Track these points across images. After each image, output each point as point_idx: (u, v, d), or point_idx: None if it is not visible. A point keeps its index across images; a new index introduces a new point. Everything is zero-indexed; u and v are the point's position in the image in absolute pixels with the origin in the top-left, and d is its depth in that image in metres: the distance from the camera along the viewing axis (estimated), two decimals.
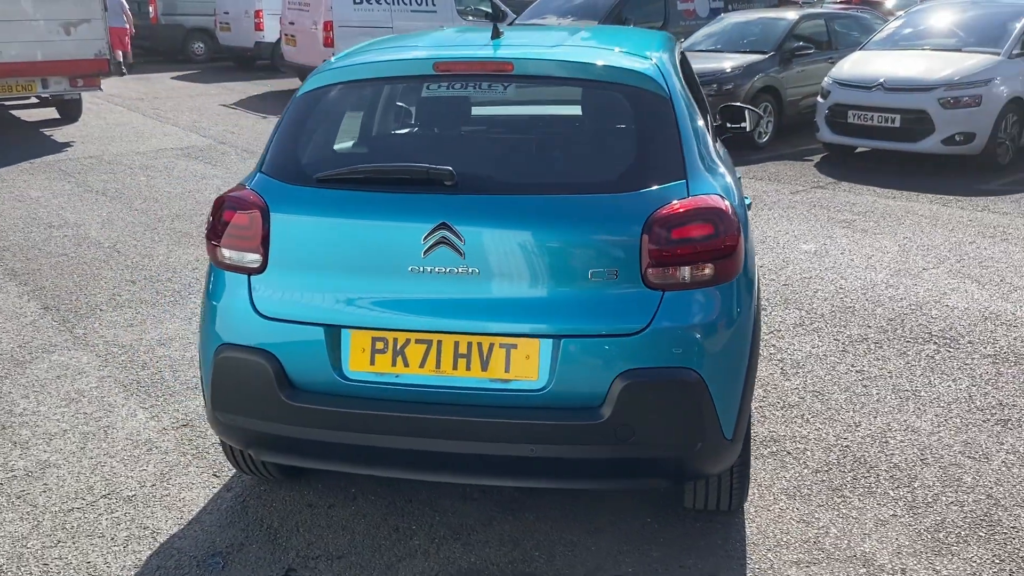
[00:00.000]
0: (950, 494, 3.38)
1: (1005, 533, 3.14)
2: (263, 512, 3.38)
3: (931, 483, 3.45)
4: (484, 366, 2.74)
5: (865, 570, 2.96)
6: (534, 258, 2.73)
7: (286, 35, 15.07)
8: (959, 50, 9.16)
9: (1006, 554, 3.03)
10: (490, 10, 15.78)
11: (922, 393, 4.21)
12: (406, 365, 2.78)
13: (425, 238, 2.73)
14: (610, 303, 2.70)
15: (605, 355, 2.68)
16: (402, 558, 3.09)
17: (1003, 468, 3.56)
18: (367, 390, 2.80)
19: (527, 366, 2.72)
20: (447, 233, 2.71)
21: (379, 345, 2.80)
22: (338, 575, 3.01)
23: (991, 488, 3.41)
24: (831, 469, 3.57)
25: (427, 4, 14.94)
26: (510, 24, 12.94)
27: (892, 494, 3.39)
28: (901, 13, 10.82)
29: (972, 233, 6.82)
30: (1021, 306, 5.29)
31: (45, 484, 3.59)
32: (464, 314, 2.74)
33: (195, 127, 12.03)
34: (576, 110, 3.42)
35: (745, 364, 2.83)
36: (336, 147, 3.17)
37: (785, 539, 3.13)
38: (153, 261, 6.42)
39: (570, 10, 12.38)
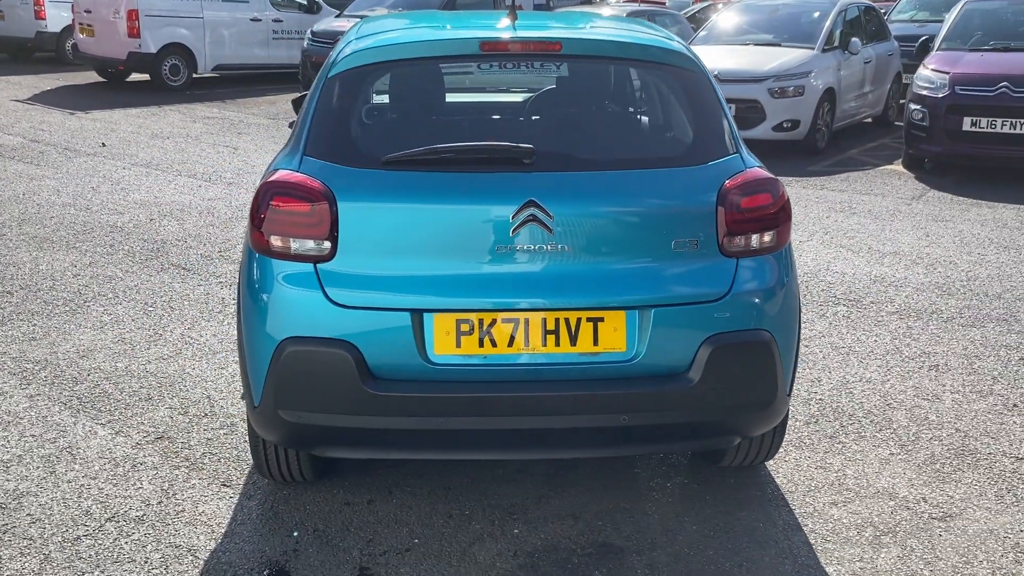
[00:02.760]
0: (926, 431, 3.81)
1: (986, 459, 3.59)
2: (300, 516, 3.21)
3: (905, 424, 3.87)
4: (573, 341, 2.78)
5: (893, 502, 3.29)
6: (619, 232, 2.80)
7: (81, 25, 13.85)
8: (779, 45, 10.06)
9: (995, 475, 3.47)
10: (304, 2, 15.36)
11: (856, 348, 4.68)
12: (494, 345, 2.76)
13: (513, 216, 2.72)
14: (692, 272, 2.83)
15: (691, 322, 2.80)
16: (471, 542, 3.06)
17: (955, 406, 4.05)
18: (455, 373, 2.76)
19: (615, 338, 2.79)
20: (536, 211, 2.72)
21: (464, 327, 2.76)
22: (415, 567, 2.94)
23: (955, 423, 3.88)
24: (819, 420, 3.90)
25: None
26: (338, 16, 12.67)
27: (879, 436, 3.77)
28: (721, 7, 11.68)
29: (825, 208, 7.57)
30: (897, 269, 5.97)
31: (30, 515, 3.19)
32: (552, 291, 2.76)
33: None
34: (616, 87, 3.49)
35: (798, 322, 3.06)
36: (390, 128, 3.07)
37: (813, 484, 3.41)
38: (21, 270, 5.78)
39: (402, 2, 12.30)
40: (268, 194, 2.84)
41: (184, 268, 5.92)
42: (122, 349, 4.62)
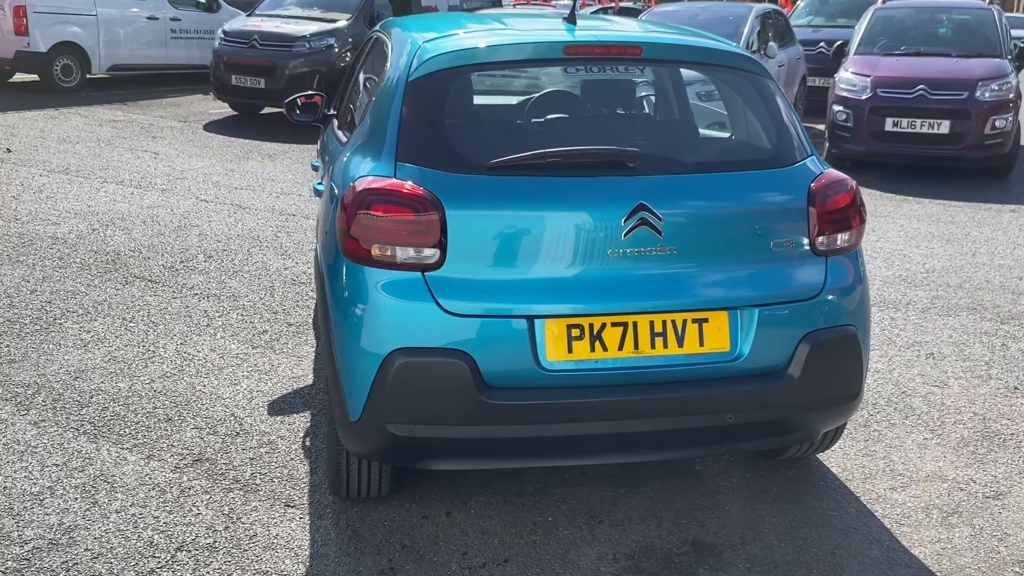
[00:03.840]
0: (947, 416, 4.03)
1: (1012, 440, 3.83)
2: (383, 534, 3.10)
3: (926, 409, 4.08)
4: (680, 342, 2.80)
5: (946, 484, 3.46)
6: (722, 233, 2.85)
7: None
8: None
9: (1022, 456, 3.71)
10: (203, 0, 14.75)
11: None
12: (604, 349, 2.76)
13: (625, 220, 2.72)
14: (790, 271, 2.90)
15: (791, 320, 2.88)
16: (566, 549, 3.03)
17: (963, 391, 4.30)
18: (567, 379, 2.74)
19: (719, 338, 2.83)
20: (646, 214, 2.73)
21: (575, 332, 2.74)
22: None
23: (970, 407, 4.12)
24: None
25: None
26: (249, 15, 12.25)
27: (907, 423, 3.96)
28: (643, 15, 11.94)
29: None
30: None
31: (88, 549, 2.97)
32: (661, 293, 2.78)
33: None
34: (688, 90, 3.52)
35: (870, 318, 3.18)
36: (485, 132, 3.00)
37: (867, 471, 3.55)
38: None
39: (316, 2, 12.00)
40: (366, 202, 2.73)
41: (150, 280, 5.61)
42: (118, 368, 4.34)
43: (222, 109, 12.35)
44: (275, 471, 3.48)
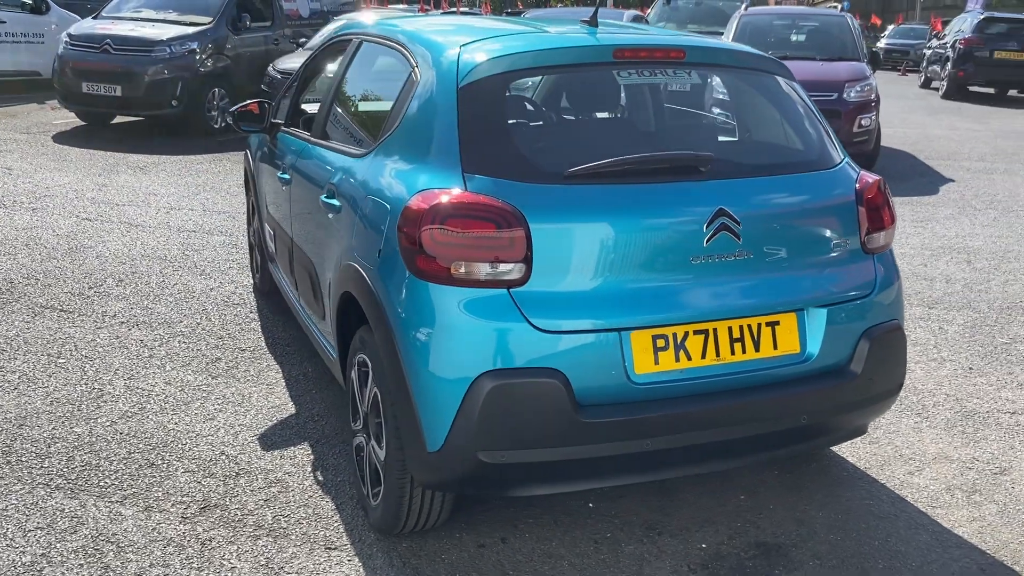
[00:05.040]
0: (925, 399, 4.23)
1: (991, 417, 4.06)
2: (445, 568, 2.90)
3: (905, 394, 4.24)
4: (756, 346, 2.79)
5: (954, 465, 3.62)
6: (790, 235, 2.85)
7: None
8: None
9: (1006, 431, 3.93)
10: (30, 1, 13.56)
11: None
12: (688, 358, 2.70)
13: (707, 225, 2.68)
14: (848, 270, 2.95)
15: (852, 318, 2.92)
16: (639, 564, 2.94)
17: (926, 375, 4.53)
18: (656, 391, 2.66)
19: (790, 340, 2.84)
20: (726, 219, 2.70)
21: (660, 343, 2.67)
22: None
23: (942, 389, 4.35)
24: None
25: None
26: (95, 17, 11.32)
27: (896, 408, 4.12)
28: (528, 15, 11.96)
29: None
30: None
31: None
32: (739, 298, 2.76)
33: None
34: (734, 94, 3.47)
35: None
36: (551, 139, 2.85)
37: (881, 458, 3.66)
38: None
39: (171, 4, 11.25)
40: (441, 216, 2.54)
41: (62, 310, 5.05)
42: (66, 411, 3.87)
43: (67, 119, 11.38)
44: (297, 512, 3.20)
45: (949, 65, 18.31)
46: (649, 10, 15.80)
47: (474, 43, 2.94)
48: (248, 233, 5.66)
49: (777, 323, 2.82)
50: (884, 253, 3.09)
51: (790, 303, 2.83)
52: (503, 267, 2.53)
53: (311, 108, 4.18)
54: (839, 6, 18.80)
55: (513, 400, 2.52)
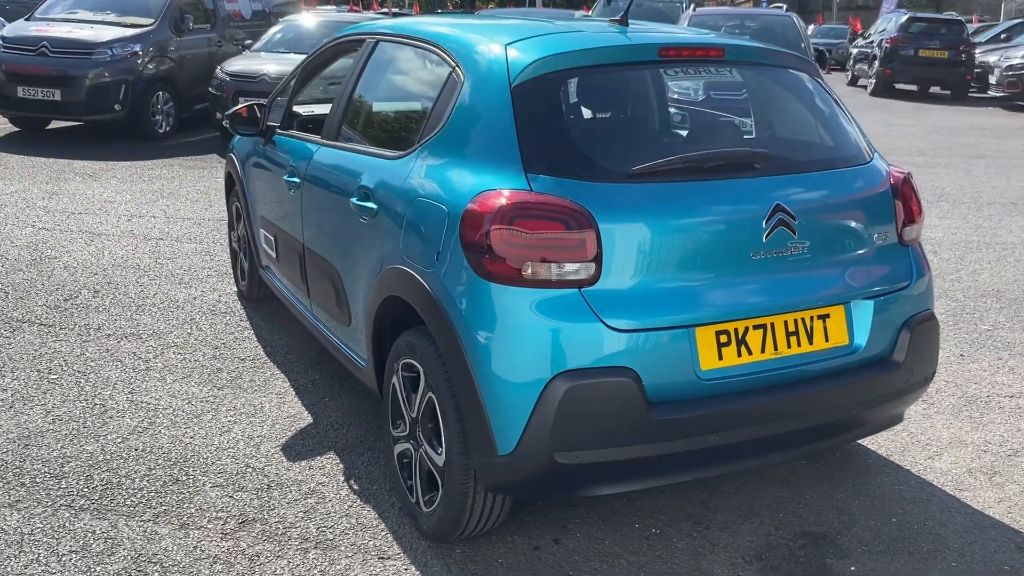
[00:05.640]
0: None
1: (992, 401, 4.20)
2: (498, 571, 2.86)
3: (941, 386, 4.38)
4: (810, 339, 2.83)
5: (969, 448, 3.74)
6: (839, 229, 2.91)
7: None
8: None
9: (1008, 414, 4.08)
10: None
11: None
12: (749, 353, 2.73)
13: (766, 221, 2.71)
14: (888, 262, 3.02)
15: (895, 309, 2.99)
16: (695, 558, 2.96)
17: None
18: (722, 386, 2.68)
19: (839, 332, 2.89)
20: (783, 214, 2.73)
21: (723, 338, 2.69)
22: None
23: (941, 376, 4.48)
24: None
25: None
26: (28, 19, 10.88)
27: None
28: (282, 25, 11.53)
29: None
30: None
31: None
32: (795, 292, 2.80)
33: None
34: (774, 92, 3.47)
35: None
36: (610, 138, 2.84)
37: (899, 444, 3.76)
38: None
39: (108, 5, 10.87)
40: (508, 217, 2.52)
41: (41, 324, 4.84)
42: (72, 429, 3.70)
43: (1, 125, 10.90)
44: (340, 523, 3.12)
45: (877, 63, 18.95)
46: (591, 11, 15.94)
47: (519, 42, 2.92)
48: (230, 239, 5.51)
49: (827, 316, 2.87)
50: (916, 245, 3.17)
51: (838, 296, 2.88)
52: (574, 267, 2.52)
53: (317, 110, 4.08)
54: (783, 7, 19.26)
55: (588, 400, 2.51)
